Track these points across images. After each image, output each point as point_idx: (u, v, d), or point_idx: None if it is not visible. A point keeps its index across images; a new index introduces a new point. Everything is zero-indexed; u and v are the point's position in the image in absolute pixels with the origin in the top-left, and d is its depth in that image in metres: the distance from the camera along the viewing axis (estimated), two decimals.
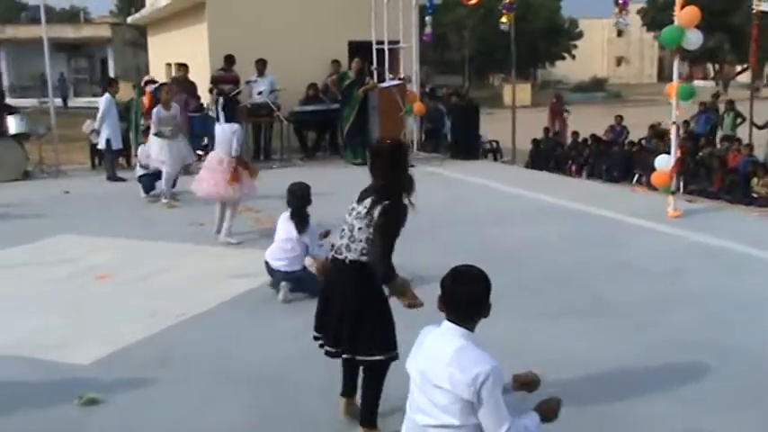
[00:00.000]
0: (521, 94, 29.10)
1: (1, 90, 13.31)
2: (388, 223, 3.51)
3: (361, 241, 3.57)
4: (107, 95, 11.94)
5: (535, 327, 5.31)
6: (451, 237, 7.92)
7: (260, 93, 13.44)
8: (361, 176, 3.90)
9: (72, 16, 54.79)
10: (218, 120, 9.67)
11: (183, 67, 13.77)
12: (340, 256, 3.66)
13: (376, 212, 3.51)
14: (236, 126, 8.05)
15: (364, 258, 3.57)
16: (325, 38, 14.62)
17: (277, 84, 13.69)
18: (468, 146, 14.53)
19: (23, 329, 5.46)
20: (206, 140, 13.13)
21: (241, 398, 4.24)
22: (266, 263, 6.18)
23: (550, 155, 16.42)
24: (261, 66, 13.68)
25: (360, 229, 3.57)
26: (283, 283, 6.05)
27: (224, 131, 7.99)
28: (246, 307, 5.92)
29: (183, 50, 16.70)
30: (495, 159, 16.29)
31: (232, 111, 8.38)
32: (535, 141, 17.09)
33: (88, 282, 6.62)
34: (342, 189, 10.01)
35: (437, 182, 11.46)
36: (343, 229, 3.68)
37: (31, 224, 9.00)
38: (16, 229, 8.76)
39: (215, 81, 13.66)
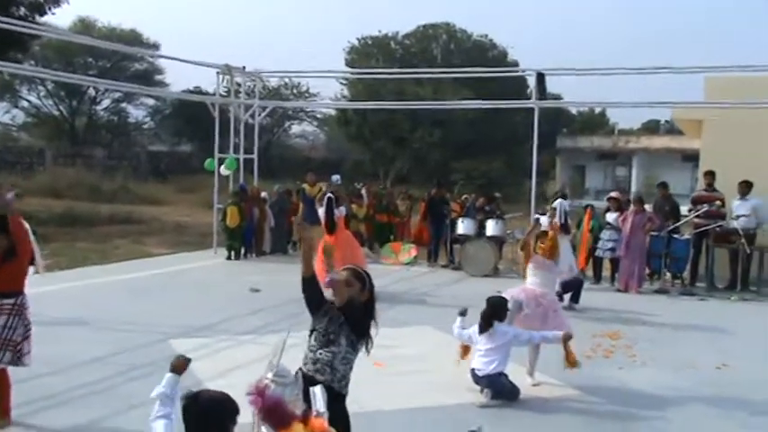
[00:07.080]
0: None
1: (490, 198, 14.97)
2: None
3: None
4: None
5: None
6: None
7: (738, 216, 12.14)
8: None
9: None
10: None
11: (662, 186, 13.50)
12: None
13: None
14: None
15: None
16: None
17: (764, 208, 12.14)
18: None
19: None
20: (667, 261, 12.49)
21: None
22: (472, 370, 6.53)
23: None
24: (744, 188, 12.31)
25: None
26: (486, 390, 6.34)
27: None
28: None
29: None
30: None
31: None
32: None
33: (368, 366, 7.32)
34: None
35: None
36: None
37: (424, 311, 10.23)
38: (410, 313, 10.01)
39: (695, 201, 12.91)
